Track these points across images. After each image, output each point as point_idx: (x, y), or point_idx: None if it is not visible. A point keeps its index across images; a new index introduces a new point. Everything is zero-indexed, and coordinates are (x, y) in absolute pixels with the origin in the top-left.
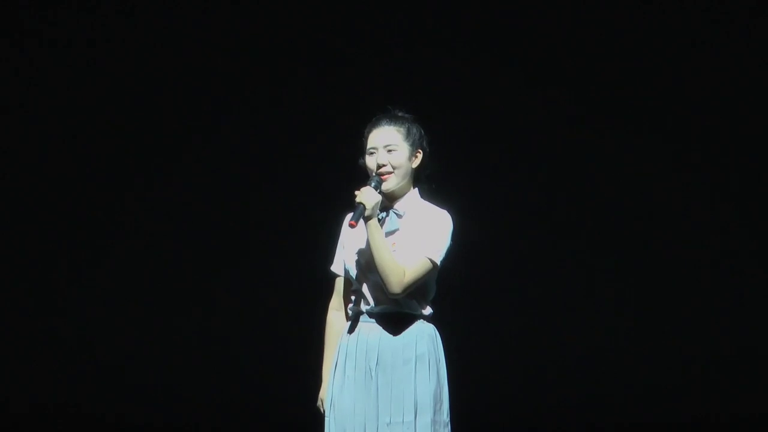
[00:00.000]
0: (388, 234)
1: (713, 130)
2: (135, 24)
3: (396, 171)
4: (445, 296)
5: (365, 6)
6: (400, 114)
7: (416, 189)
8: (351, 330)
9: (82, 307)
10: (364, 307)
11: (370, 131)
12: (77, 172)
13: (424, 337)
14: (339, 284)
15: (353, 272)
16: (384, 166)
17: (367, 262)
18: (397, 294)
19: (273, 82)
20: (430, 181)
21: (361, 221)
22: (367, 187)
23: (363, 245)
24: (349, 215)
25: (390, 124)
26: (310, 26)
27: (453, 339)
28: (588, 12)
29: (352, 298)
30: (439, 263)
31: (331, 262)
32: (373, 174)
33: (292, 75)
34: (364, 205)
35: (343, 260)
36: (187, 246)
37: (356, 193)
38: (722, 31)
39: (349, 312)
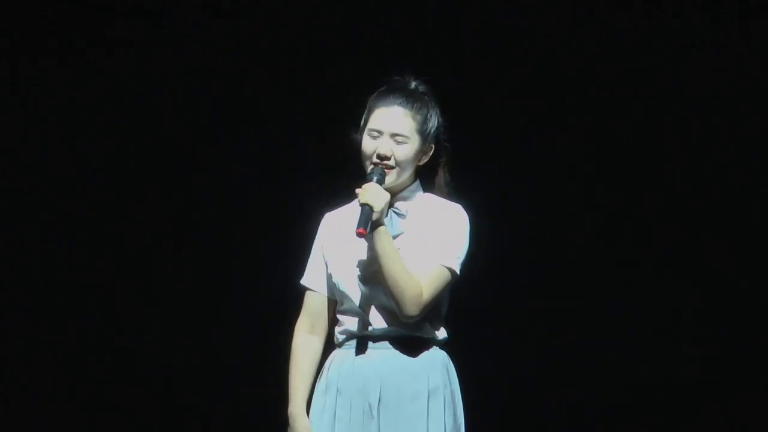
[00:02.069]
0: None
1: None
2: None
3: (398, 167)
4: (457, 313)
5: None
6: (420, 89)
7: (418, 181)
8: (341, 360)
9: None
10: (359, 331)
11: (375, 105)
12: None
13: (437, 366)
14: (311, 301)
15: (346, 288)
16: (386, 159)
17: (367, 276)
18: (413, 316)
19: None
20: (448, 182)
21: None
22: (371, 183)
23: (359, 255)
24: (330, 215)
25: (404, 107)
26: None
27: (465, 367)
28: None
29: (339, 319)
30: (459, 272)
31: (301, 274)
32: (368, 162)
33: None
34: (371, 207)
35: (328, 273)
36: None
37: (357, 191)
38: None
39: (338, 337)
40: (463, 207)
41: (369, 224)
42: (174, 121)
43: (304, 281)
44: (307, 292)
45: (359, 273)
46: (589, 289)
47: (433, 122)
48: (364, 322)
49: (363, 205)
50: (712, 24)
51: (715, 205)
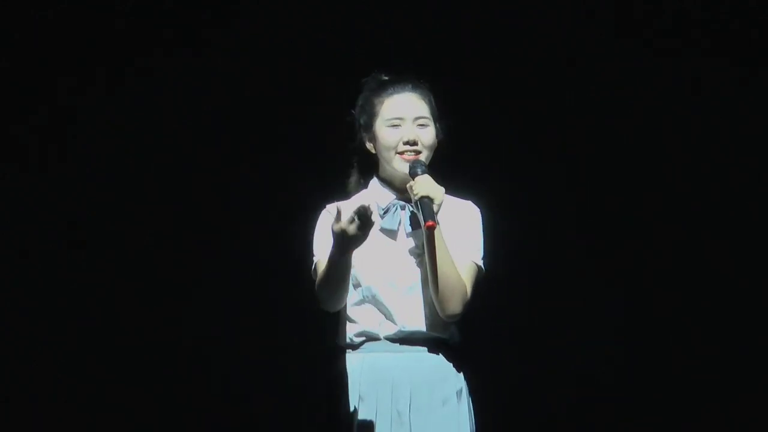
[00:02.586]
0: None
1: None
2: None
3: (425, 152)
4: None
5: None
6: (414, 78)
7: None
8: (359, 364)
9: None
10: (384, 332)
11: (384, 96)
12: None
13: (460, 368)
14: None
15: (374, 285)
16: (414, 143)
17: (400, 274)
18: (457, 314)
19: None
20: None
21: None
22: (423, 175)
23: (388, 252)
24: (333, 207)
25: (416, 92)
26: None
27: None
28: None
29: (353, 318)
30: (485, 268)
31: (312, 257)
32: (392, 153)
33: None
34: (431, 198)
35: (354, 272)
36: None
37: (410, 186)
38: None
39: (353, 339)
40: (474, 203)
41: (434, 216)
42: (174, 121)
43: (323, 256)
44: (322, 262)
45: (397, 272)
46: (589, 289)
47: (435, 106)
48: (387, 323)
49: (423, 197)
50: (713, 24)
51: (715, 205)
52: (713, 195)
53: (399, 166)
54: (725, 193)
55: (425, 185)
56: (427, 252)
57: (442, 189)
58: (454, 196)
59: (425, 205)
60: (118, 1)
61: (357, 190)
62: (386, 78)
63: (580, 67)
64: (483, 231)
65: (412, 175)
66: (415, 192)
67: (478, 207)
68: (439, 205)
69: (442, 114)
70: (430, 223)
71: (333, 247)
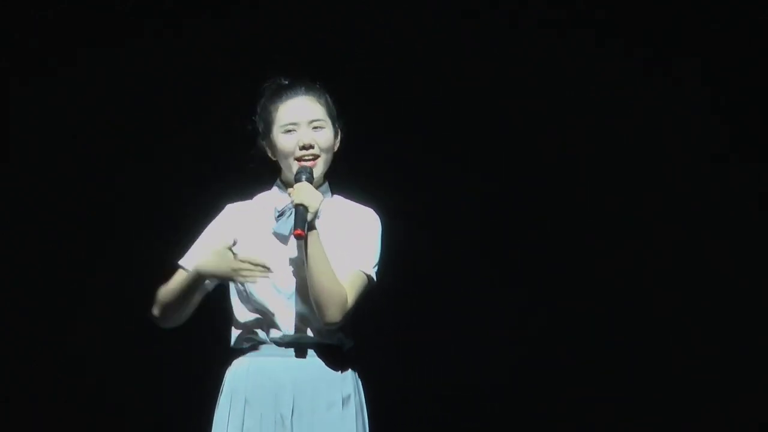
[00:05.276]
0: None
1: None
2: None
3: (323, 155)
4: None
5: None
6: (308, 80)
7: (327, 182)
8: (246, 368)
9: None
10: (270, 336)
11: (277, 102)
12: None
13: (348, 374)
14: (181, 277)
15: (258, 290)
16: (311, 147)
17: (286, 279)
18: (336, 323)
19: None
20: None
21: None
22: (303, 183)
23: (274, 256)
24: (233, 207)
25: (309, 94)
26: None
27: (372, 382)
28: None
29: (241, 322)
30: (375, 278)
31: (180, 256)
32: (291, 159)
33: None
34: (306, 207)
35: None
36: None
37: (290, 191)
38: None
39: (240, 343)
40: (375, 211)
41: (306, 225)
42: (174, 122)
43: (183, 261)
44: (180, 272)
45: (281, 277)
46: (590, 289)
47: (332, 106)
48: (273, 328)
49: (298, 205)
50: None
51: (715, 205)
52: (713, 195)
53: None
54: (725, 193)
55: (302, 193)
56: (305, 260)
57: (320, 197)
58: (358, 203)
59: (298, 213)
60: None
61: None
62: (281, 83)
63: (580, 66)
64: (381, 239)
65: (296, 180)
66: (293, 199)
67: (379, 215)
68: (314, 214)
69: (341, 113)
70: (298, 231)
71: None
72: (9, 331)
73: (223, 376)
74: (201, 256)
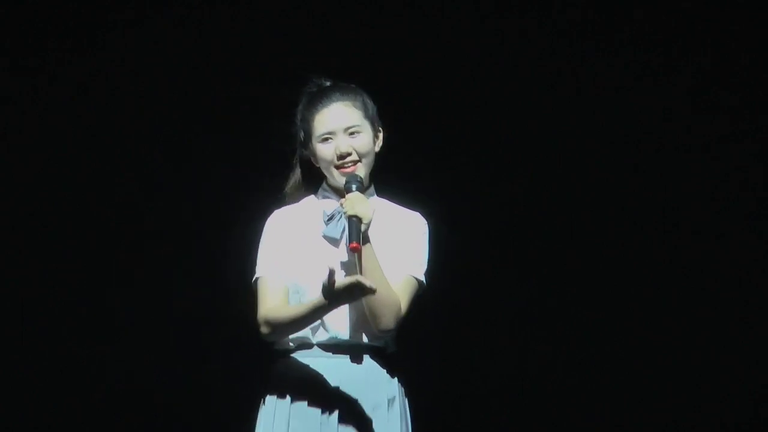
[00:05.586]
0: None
1: None
2: None
3: (364, 159)
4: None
5: None
6: (341, 82)
7: (372, 185)
8: (293, 369)
9: None
10: (317, 338)
11: (313, 112)
12: None
13: (393, 377)
14: (275, 284)
15: (313, 295)
16: (349, 155)
17: (336, 284)
18: (390, 330)
19: None
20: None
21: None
22: (354, 193)
23: (326, 260)
24: (280, 213)
25: (343, 99)
26: None
27: (416, 389)
28: None
29: None
30: (425, 283)
31: (255, 269)
32: (331, 168)
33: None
34: (359, 218)
35: (295, 280)
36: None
37: (341, 203)
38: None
39: (286, 344)
40: (422, 215)
41: (360, 237)
42: (174, 121)
43: (268, 272)
44: (270, 283)
45: (329, 280)
46: (589, 289)
47: (371, 105)
48: (322, 330)
49: (351, 217)
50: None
51: (715, 204)
52: (713, 195)
53: (338, 180)
54: (725, 193)
55: (354, 204)
56: (358, 271)
57: (372, 206)
58: (402, 206)
59: (352, 225)
60: None
61: (297, 192)
62: (315, 89)
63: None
64: (429, 244)
65: (346, 190)
66: (345, 210)
67: (426, 219)
68: (368, 225)
69: (380, 112)
70: (354, 245)
71: (324, 299)
72: (9, 331)
73: (268, 377)
74: (324, 283)
